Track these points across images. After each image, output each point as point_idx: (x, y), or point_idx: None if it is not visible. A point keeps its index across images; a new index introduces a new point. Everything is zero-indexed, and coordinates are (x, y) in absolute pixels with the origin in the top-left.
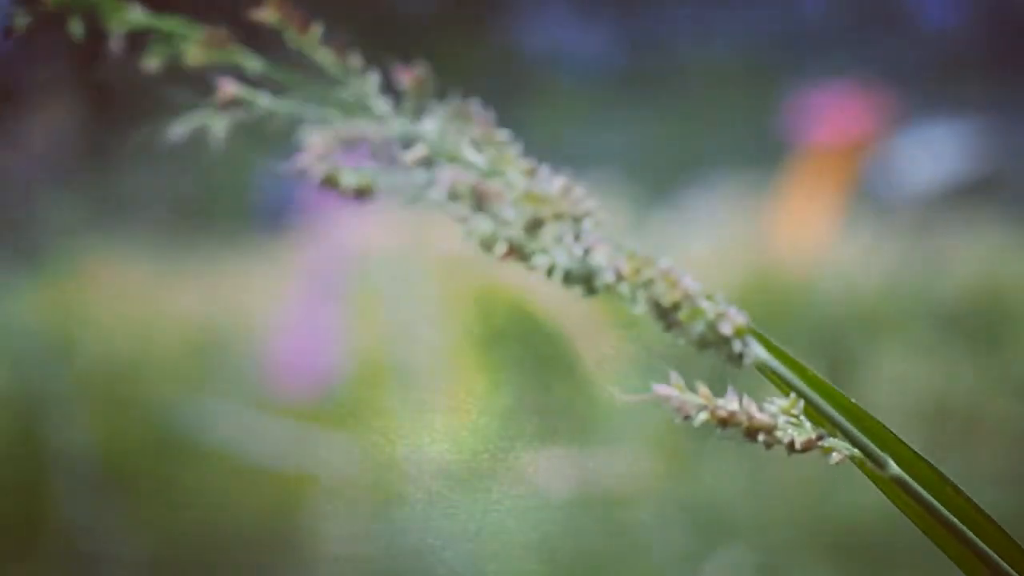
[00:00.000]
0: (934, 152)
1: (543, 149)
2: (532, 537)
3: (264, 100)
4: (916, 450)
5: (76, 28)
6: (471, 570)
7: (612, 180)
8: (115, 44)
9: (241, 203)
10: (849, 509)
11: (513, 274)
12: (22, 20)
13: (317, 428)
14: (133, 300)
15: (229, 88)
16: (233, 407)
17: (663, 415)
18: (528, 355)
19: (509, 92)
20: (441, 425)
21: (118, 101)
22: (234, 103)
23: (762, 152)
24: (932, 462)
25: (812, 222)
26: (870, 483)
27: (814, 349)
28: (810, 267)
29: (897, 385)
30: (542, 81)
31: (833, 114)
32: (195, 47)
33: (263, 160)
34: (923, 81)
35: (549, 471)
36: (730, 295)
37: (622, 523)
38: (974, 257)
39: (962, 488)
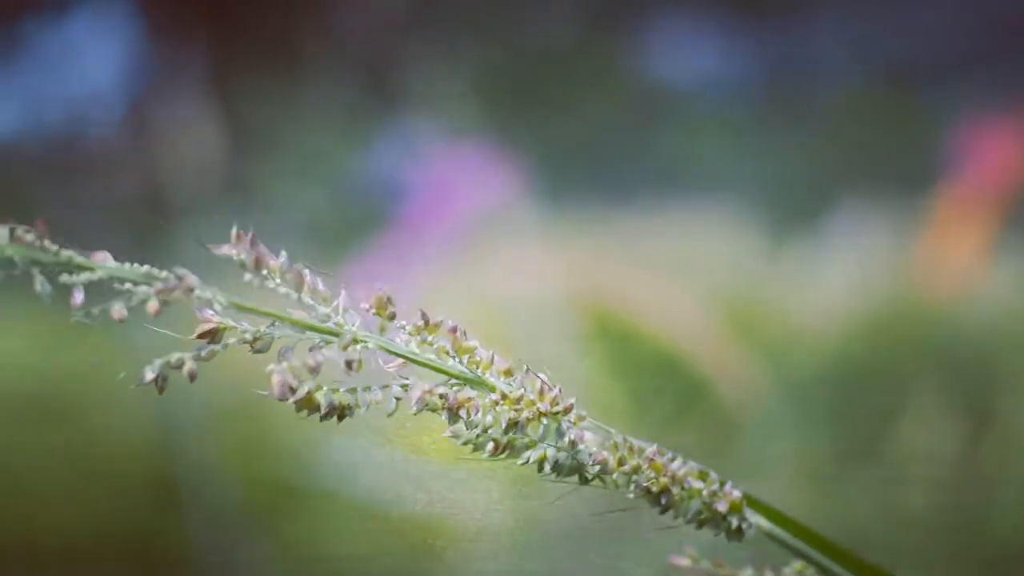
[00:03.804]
0: None
1: (680, 176)
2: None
3: (242, 328)
4: None
5: (41, 286)
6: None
7: (751, 207)
8: (77, 297)
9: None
10: (995, 537)
11: (646, 310)
12: None
13: (452, 469)
14: None
15: (209, 320)
16: (363, 446)
17: (801, 447)
18: (666, 389)
19: (645, 119)
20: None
21: (256, 133)
22: (212, 333)
23: (908, 178)
24: None
25: (960, 250)
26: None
27: (961, 380)
28: (958, 297)
29: None
30: (679, 108)
31: (985, 139)
32: (154, 298)
33: None
34: None
35: None
36: (872, 324)
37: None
38: None
39: None
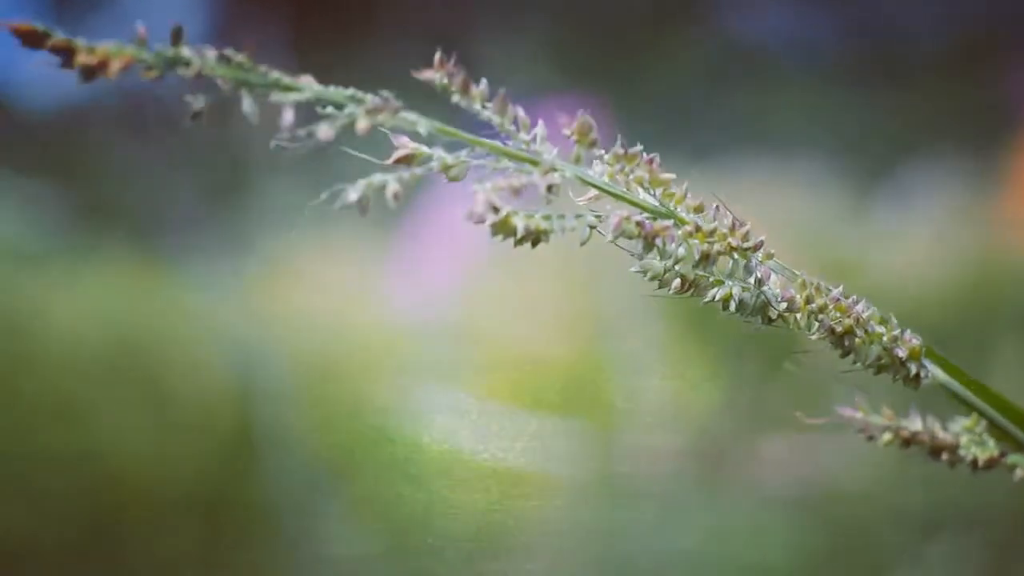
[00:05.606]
0: None
1: (760, 133)
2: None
3: (439, 154)
4: None
5: (249, 106)
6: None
7: (832, 163)
8: (286, 116)
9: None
10: None
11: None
12: (200, 102)
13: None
14: (345, 289)
15: (405, 145)
16: (446, 399)
17: (887, 407)
18: (749, 347)
19: (725, 77)
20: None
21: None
22: (409, 159)
23: (990, 133)
24: None
25: None
26: None
27: None
28: None
29: None
30: (758, 65)
31: None
32: (363, 116)
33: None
34: None
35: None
36: (956, 279)
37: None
38: None
39: None
